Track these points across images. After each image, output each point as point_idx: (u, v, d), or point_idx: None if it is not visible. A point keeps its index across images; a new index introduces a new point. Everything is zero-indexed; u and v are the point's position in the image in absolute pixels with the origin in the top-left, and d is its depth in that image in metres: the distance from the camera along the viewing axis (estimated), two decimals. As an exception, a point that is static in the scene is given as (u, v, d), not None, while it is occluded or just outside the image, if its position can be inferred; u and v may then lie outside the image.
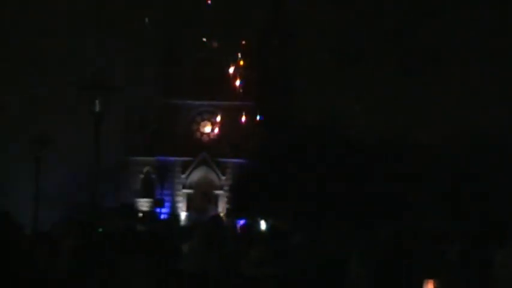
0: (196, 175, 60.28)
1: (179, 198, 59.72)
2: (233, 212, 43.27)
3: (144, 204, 58.07)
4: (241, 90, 59.56)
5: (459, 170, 29.91)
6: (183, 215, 58.31)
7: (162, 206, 53.08)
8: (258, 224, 39.01)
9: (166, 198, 56.82)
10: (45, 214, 23.23)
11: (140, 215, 46.19)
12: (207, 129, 61.33)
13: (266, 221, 38.48)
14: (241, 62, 59.34)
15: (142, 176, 60.41)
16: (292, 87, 61.83)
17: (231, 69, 59.99)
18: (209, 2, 58.56)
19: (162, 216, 51.41)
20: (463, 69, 47.70)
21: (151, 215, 47.81)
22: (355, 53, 56.60)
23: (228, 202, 49.44)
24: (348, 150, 33.02)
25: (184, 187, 59.95)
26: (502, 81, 43.46)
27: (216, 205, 58.75)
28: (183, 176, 59.85)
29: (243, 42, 59.59)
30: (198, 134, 61.30)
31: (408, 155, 31.93)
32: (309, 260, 9.01)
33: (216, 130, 61.09)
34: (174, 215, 55.31)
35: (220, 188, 59.11)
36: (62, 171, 49.83)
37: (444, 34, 52.26)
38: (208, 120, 61.42)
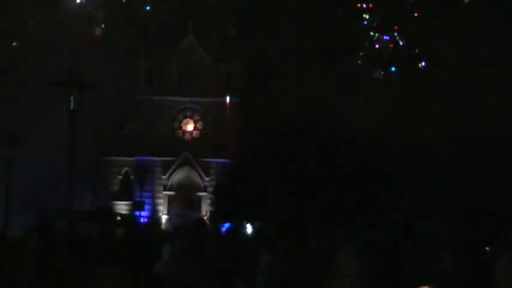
0: (178, 176, 60.19)
1: (160, 201, 59.59)
2: (217, 215, 43.30)
3: (122, 207, 57.87)
4: (225, 86, 59.61)
5: (455, 170, 30.39)
6: (164, 218, 58.23)
7: (141, 209, 52.97)
8: (244, 228, 39.08)
9: (146, 200, 56.68)
10: (15, 218, 23.07)
11: (118, 218, 46.20)
12: (190, 127, 61.28)
13: (252, 224, 38.58)
14: (226, 56, 59.43)
15: (120, 177, 60.23)
16: (278, 82, 61.95)
17: (215, 64, 60.04)
18: None
19: (142, 220, 51.43)
20: (458, 66, 47.97)
21: (130, 218, 47.77)
22: (345, 45, 56.83)
23: (212, 205, 49.41)
24: (338, 150, 33.24)
25: (165, 189, 59.85)
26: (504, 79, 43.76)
27: (199, 208, 58.72)
28: (164, 177, 59.74)
29: (227, 34, 59.66)
30: (180, 133, 61.22)
31: (402, 156, 32.27)
32: (297, 267, 9.07)
33: (199, 128, 61.06)
34: (154, 218, 55.26)
35: (204, 190, 59.06)
36: (33, 172, 49.50)
37: (437, 28, 52.58)
38: (191, 117, 61.38)
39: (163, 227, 54.84)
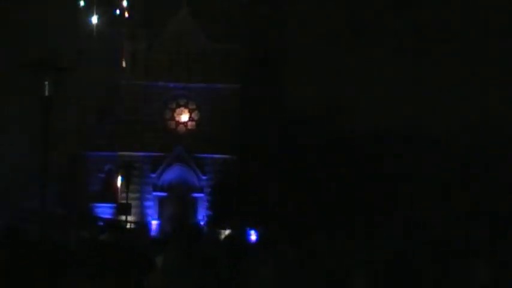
0: (170, 174, 60.26)
1: (149, 203, 59.70)
2: (216, 219, 43.47)
3: (105, 210, 58.00)
4: (224, 70, 59.63)
5: (469, 164, 31.10)
6: (154, 223, 58.32)
7: (127, 212, 52.97)
8: (246, 234, 39.21)
9: (133, 203, 56.74)
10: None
11: (100, 224, 46.27)
12: (183, 117, 61.31)
13: (256, 230, 38.75)
14: (224, 36, 59.43)
15: (102, 175, 60.36)
16: (284, 68, 61.92)
17: (212, 45, 60.05)
18: None
19: (128, 226, 51.46)
20: (480, 47, 48.22)
21: (114, 224, 47.81)
22: (355, 28, 56.86)
23: (210, 207, 49.52)
24: (348, 147, 33.60)
25: (155, 189, 59.94)
26: None
27: (194, 211, 58.80)
28: (154, 175, 59.84)
29: (226, 12, 59.61)
30: (172, 124, 61.26)
31: (415, 150, 32.85)
32: (307, 277, 9.19)
33: (195, 119, 61.10)
34: (143, 224, 55.29)
35: (200, 191, 59.16)
36: (2, 170, 49.64)
37: (457, 7, 52.83)
38: (185, 106, 61.41)
39: (153, 233, 54.99)
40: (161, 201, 59.70)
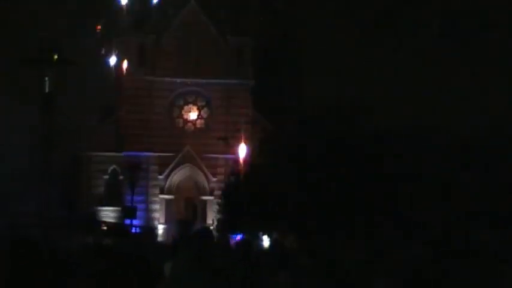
0: (178, 176, 60.42)
1: (155, 207, 59.88)
2: (227, 224, 43.52)
3: (108, 214, 58.23)
4: (236, 65, 59.68)
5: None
6: (161, 228, 58.49)
7: (133, 216, 53.13)
8: (260, 241, 39.24)
9: (139, 206, 56.90)
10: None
11: (104, 228, 46.50)
12: (192, 115, 61.43)
13: (269, 236, 38.78)
14: (237, 28, 59.47)
15: (106, 177, 60.57)
16: (300, 62, 61.88)
17: (224, 37, 60.10)
18: None
19: (134, 231, 51.67)
20: None
21: (119, 228, 48.01)
22: (377, 17, 56.76)
23: (220, 211, 49.56)
24: (370, 148, 33.67)
25: (162, 192, 60.11)
26: None
27: (204, 215, 58.91)
28: (161, 177, 60.01)
29: (238, 2, 59.66)
30: (180, 122, 61.40)
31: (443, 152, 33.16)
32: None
33: (204, 116, 61.18)
34: (149, 228, 55.49)
35: (210, 193, 59.27)
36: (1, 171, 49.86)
37: None
38: (194, 103, 61.52)
39: (160, 239, 55.14)
40: (168, 205, 59.86)
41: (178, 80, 60.46)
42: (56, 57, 14.15)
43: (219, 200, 52.09)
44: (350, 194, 32.41)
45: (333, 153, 33.47)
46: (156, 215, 59.56)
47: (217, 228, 49.49)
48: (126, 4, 59.95)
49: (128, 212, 53.27)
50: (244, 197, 39.55)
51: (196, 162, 59.99)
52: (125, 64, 60.13)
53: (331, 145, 33.92)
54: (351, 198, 32.28)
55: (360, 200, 32.03)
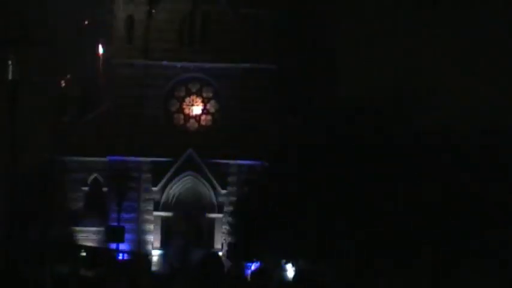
0: (178, 187, 60.45)
1: (149, 226, 59.89)
2: (240, 249, 43.49)
3: (89, 236, 58.29)
4: (251, 45, 59.67)
5: None
6: (155, 254, 58.46)
7: (120, 239, 53.17)
8: (282, 269, 39.18)
9: (128, 226, 56.99)
10: None
11: (83, 255, 46.49)
12: (196, 109, 61.45)
13: (294, 265, 38.71)
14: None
15: (85, 188, 60.66)
16: (334, 43, 62.01)
17: (236, 10, 60.07)
18: None
19: (121, 257, 51.65)
20: None
21: (102, 255, 47.98)
22: None
23: (231, 233, 49.64)
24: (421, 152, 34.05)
25: (157, 207, 60.13)
26: None
27: (210, 237, 58.90)
28: (156, 188, 60.04)
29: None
30: (181, 118, 61.44)
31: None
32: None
33: (211, 111, 61.23)
34: (141, 254, 55.44)
35: (218, 210, 59.25)
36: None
37: None
38: (198, 94, 61.52)
39: (155, 268, 55.11)
40: (166, 224, 59.87)
41: (179, 65, 60.49)
42: (20, 37, 14.03)
43: (230, 219, 52.10)
44: (404, 218, 32.88)
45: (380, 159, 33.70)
46: (150, 237, 59.57)
47: (228, 254, 49.55)
48: None
49: (114, 233, 53.39)
50: (263, 214, 39.50)
51: (200, 170, 59.99)
52: (111, 43, 60.36)
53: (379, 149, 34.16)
54: (405, 222, 32.68)
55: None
